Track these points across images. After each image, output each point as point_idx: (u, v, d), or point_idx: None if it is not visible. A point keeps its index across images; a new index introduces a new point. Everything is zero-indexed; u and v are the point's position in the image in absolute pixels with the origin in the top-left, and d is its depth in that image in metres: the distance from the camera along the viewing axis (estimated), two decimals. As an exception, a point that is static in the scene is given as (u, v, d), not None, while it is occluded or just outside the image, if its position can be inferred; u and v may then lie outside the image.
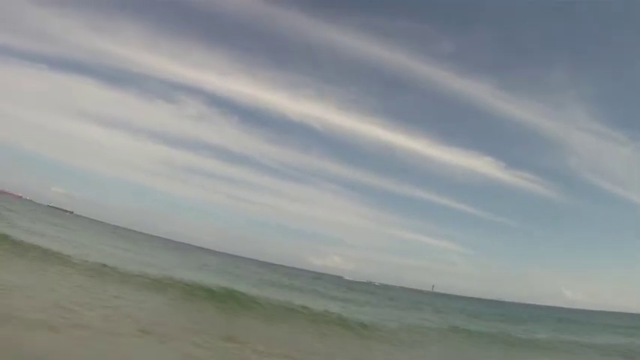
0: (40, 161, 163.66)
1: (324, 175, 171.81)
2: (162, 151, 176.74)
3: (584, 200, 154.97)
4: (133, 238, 65.28)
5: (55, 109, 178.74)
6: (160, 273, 18.98)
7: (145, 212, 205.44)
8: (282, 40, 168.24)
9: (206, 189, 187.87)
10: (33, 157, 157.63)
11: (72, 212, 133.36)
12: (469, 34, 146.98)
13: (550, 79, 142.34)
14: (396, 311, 28.16)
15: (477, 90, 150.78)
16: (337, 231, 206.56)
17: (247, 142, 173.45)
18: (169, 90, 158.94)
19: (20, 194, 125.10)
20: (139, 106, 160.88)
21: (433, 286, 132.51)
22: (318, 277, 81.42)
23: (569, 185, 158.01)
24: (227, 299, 15.86)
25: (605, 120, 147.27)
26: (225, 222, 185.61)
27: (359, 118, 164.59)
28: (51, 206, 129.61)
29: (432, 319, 25.11)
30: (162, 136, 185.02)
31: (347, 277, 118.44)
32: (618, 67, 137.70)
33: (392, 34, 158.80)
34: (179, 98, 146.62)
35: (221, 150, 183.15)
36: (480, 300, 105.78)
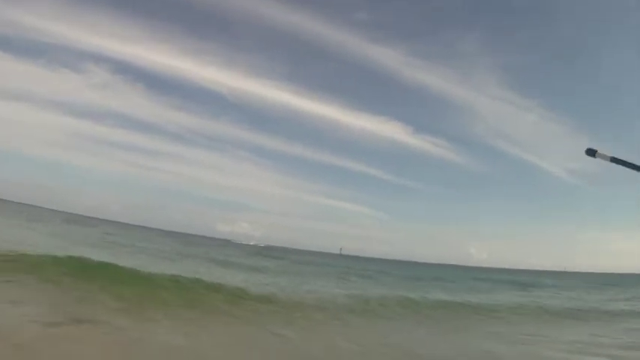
0: None
1: (234, 141, 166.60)
2: (69, 122, 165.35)
3: (491, 164, 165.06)
4: (36, 216, 57.37)
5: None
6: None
7: (54, 187, 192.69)
8: (190, 7, 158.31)
9: (114, 159, 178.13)
10: None
11: None
12: (383, 1, 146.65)
13: (461, 48, 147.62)
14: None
15: (388, 57, 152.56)
16: (246, 197, 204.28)
17: (155, 109, 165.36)
18: (76, 59, 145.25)
19: None
20: (46, 76, 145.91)
21: (341, 249, 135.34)
22: (224, 244, 78.17)
23: (477, 150, 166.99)
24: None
25: (513, 88, 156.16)
26: (135, 192, 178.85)
27: (268, 84, 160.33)
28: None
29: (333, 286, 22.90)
30: (70, 108, 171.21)
31: (255, 243, 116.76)
32: (528, 37, 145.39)
33: (305, 1, 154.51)
34: (86, 67, 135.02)
35: (128, 119, 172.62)
36: (391, 261, 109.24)
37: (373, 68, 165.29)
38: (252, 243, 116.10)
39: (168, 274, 13.87)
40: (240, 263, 30.91)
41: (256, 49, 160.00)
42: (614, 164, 2.09)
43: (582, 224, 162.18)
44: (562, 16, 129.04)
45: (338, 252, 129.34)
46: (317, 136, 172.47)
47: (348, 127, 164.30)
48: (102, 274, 11.87)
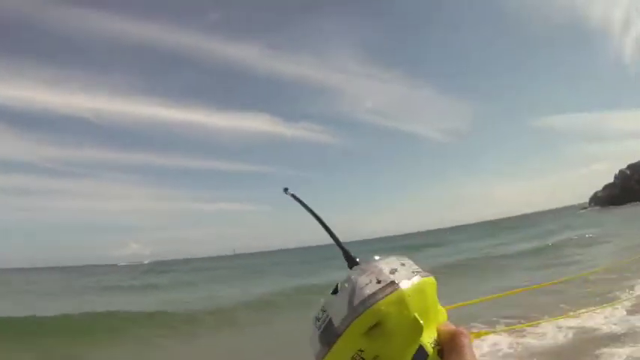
0: None
1: (107, 165, 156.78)
2: None
3: (363, 138, 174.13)
4: None
5: None
6: None
7: None
8: (42, 35, 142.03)
9: None
10: None
11: None
12: (231, 1, 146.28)
13: (317, 33, 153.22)
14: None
15: (246, 53, 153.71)
16: (130, 218, 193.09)
17: (23, 147, 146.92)
18: None
19: None
20: None
21: (234, 250, 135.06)
22: (114, 269, 73.76)
23: (347, 127, 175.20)
24: None
25: (371, 61, 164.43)
26: (18, 235, 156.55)
27: (133, 100, 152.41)
28: None
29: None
30: None
31: (149, 261, 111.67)
32: (378, 14, 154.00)
33: (156, 11, 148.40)
34: None
35: None
36: (284, 251, 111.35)
37: (233, 67, 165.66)
38: (146, 262, 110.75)
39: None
40: (129, 286, 30.23)
41: (116, 68, 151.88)
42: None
43: (460, 179, 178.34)
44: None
45: (232, 253, 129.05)
46: (189, 144, 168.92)
47: (218, 128, 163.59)
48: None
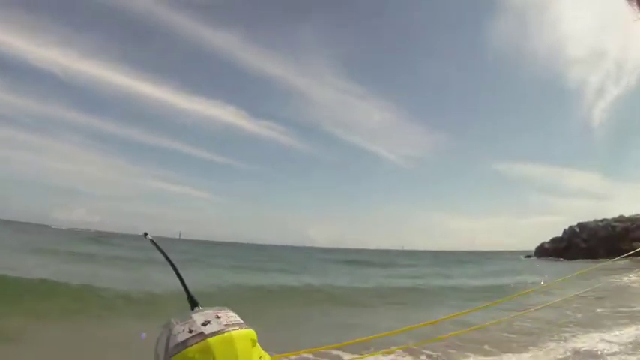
0: None
1: (64, 124, 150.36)
2: None
3: (327, 149, 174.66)
4: None
5: None
6: None
7: None
8: None
9: None
10: None
11: None
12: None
13: (298, 37, 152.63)
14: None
15: (225, 41, 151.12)
16: (81, 183, 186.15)
17: None
18: None
19: None
20: None
21: (180, 234, 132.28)
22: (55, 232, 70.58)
23: (313, 135, 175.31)
24: None
25: (347, 76, 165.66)
26: None
27: (103, 65, 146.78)
28: None
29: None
30: None
31: (95, 229, 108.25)
32: (361, 30, 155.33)
33: None
34: None
35: None
36: (230, 244, 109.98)
37: (209, 52, 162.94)
38: (92, 229, 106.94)
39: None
40: (68, 251, 29.07)
41: (91, 28, 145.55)
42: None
43: (417, 205, 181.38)
44: (393, 12, 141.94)
45: (177, 237, 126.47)
46: (150, 119, 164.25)
47: (183, 110, 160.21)
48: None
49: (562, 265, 44.92)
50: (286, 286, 19.14)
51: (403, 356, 7.05)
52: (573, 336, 9.09)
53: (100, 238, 59.64)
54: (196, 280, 17.44)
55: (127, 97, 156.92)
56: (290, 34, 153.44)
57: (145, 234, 1.39)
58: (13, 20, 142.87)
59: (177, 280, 1.38)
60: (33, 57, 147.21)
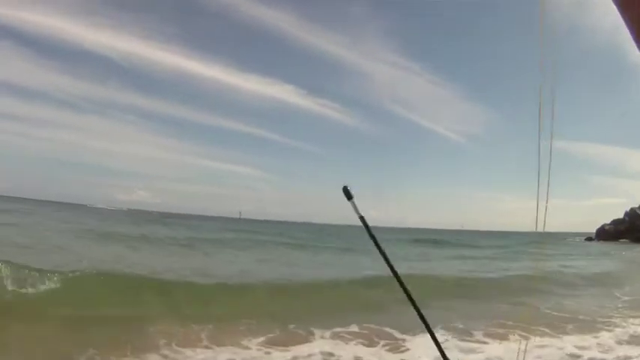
0: None
1: (124, 107, 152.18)
2: None
3: (384, 127, 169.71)
4: None
5: None
6: None
7: None
8: None
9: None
10: None
11: None
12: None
13: (350, 11, 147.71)
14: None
15: (279, 19, 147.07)
16: (141, 164, 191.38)
17: (40, 75, 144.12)
18: None
19: None
20: None
21: (240, 213, 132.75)
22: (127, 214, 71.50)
23: (370, 113, 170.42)
24: None
25: (403, 52, 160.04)
26: (24, 164, 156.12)
27: (157, 46, 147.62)
28: None
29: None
30: None
31: (154, 210, 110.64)
32: (414, 4, 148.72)
33: None
34: None
35: (11, 86, 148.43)
36: (292, 223, 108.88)
37: (263, 30, 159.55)
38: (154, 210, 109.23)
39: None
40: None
41: (143, 9, 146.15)
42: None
43: (475, 184, 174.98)
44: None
45: (238, 216, 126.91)
46: (208, 99, 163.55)
47: (239, 89, 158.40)
48: None
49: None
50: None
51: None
52: None
53: (166, 219, 58.76)
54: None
55: (183, 78, 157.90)
56: (344, 10, 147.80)
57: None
58: (66, 5, 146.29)
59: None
60: (87, 41, 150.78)
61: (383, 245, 1.60)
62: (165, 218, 62.64)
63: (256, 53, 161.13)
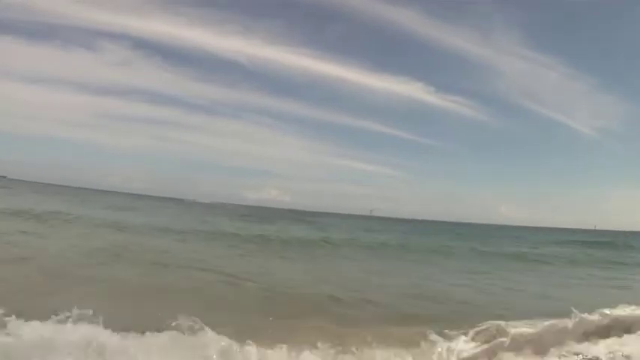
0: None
1: (255, 109, 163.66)
2: (89, 101, 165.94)
3: (515, 122, 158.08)
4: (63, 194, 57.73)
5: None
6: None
7: (79, 166, 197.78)
8: None
9: (137, 134, 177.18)
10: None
11: (5, 177, 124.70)
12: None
13: (476, 6, 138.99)
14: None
15: (405, 17, 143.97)
16: (271, 164, 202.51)
17: (174, 82, 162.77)
18: (90, 38, 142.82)
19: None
20: (61, 57, 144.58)
21: (371, 211, 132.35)
22: (251, 211, 75.05)
23: (500, 108, 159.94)
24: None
25: (532, 45, 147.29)
26: (160, 165, 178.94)
27: (286, 50, 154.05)
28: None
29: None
30: (88, 87, 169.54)
31: (285, 208, 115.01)
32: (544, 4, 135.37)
33: None
34: (100, 45, 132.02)
35: (148, 93, 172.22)
36: (425, 221, 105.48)
37: (390, 29, 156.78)
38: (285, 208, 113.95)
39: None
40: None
41: (272, 15, 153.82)
42: None
43: (611, 182, 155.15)
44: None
45: (369, 214, 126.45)
46: (338, 99, 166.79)
47: (369, 88, 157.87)
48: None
49: None
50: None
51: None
52: None
53: (304, 217, 59.64)
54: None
55: (313, 80, 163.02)
56: (469, 5, 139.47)
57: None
58: (195, 15, 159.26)
59: None
60: (218, 48, 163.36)
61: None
62: (300, 216, 63.77)
63: (387, 52, 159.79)
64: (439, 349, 6.02)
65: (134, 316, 6.11)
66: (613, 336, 6.98)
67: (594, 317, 7.20)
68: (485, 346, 6.14)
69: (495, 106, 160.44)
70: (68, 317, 5.19)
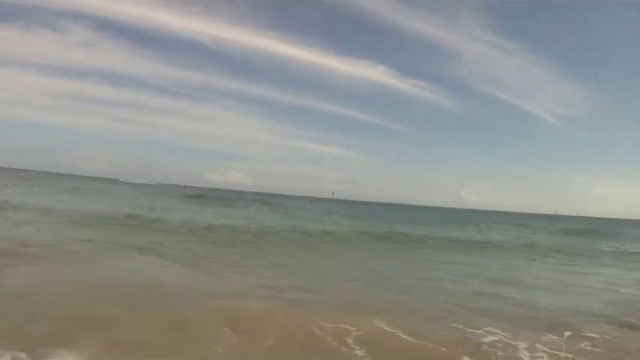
0: None
1: (219, 91, 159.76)
2: (50, 83, 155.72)
3: (478, 107, 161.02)
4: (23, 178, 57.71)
5: None
6: None
7: (42, 149, 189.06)
8: None
9: (101, 116, 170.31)
10: None
11: None
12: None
13: None
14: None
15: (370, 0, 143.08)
16: (234, 146, 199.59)
17: (138, 64, 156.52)
18: (53, 18, 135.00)
19: None
20: (23, 39, 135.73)
21: (333, 193, 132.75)
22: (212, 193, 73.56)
23: (463, 93, 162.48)
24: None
25: (497, 30, 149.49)
26: (123, 148, 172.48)
27: (250, 31, 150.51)
28: None
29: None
30: (50, 68, 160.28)
31: (248, 190, 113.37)
32: None
33: None
34: (65, 26, 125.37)
35: (111, 75, 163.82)
36: (385, 204, 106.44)
37: (354, 11, 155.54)
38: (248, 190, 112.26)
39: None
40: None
41: None
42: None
43: (572, 168, 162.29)
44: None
45: (330, 196, 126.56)
46: (301, 82, 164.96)
47: (333, 71, 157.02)
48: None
49: None
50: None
51: None
52: None
53: (266, 199, 58.88)
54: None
55: (276, 62, 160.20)
56: None
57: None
58: None
59: None
60: (180, 29, 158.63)
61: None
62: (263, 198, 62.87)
63: (349, 35, 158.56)
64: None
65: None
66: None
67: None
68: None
69: (459, 91, 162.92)
70: None
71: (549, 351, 6.06)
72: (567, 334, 6.85)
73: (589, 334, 6.96)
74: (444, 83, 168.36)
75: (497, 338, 6.42)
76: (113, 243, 13.26)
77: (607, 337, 6.89)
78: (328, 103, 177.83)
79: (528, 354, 5.92)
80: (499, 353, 5.86)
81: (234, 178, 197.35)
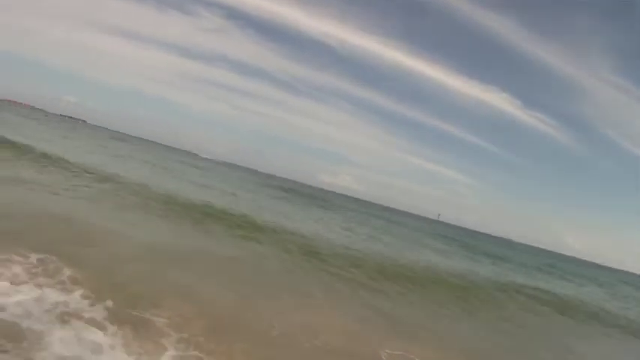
0: (51, 70, 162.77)
1: (340, 94, 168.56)
2: (176, 62, 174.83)
3: (598, 151, 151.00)
4: (136, 145, 60.21)
5: (69, 19, 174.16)
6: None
7: (158, 122, 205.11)
8: None
9: (220, 100, 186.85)
10: (44, 67, 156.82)
11: (84, 121, 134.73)
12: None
13: (574, 23, 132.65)
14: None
15: (501, 25, 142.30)
16: (348, 150, 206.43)
17: (262, 56, 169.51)
18: (186, 2, 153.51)
19: (30, 103, 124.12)
20: (155, 17, 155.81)
21: (439, 215, 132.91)
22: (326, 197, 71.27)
23: (585, 134, 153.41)
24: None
25: (628, 74, 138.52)
26: (238, 134, 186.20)
27: (378, 40, 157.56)
28: (63, 115, 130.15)
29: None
30: (177, 48, 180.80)
31: (358, 197, 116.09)
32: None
33: None
34: (196, 10, 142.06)
35: (237, 63, 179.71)
36: (490, 236, 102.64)
37: (484, 35, 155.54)
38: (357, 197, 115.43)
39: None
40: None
41: (367, 3, 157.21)
42: None
43: None
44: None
45: (436, 218, 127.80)
46: (423, 98, 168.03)
47: (456, 92, 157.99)
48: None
49: None
50: None
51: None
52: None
53: (375, 212, 62.49)
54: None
55: (400, 74, 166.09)
56: (568, 20, 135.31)
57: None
58: None
59: None
60: (310, 28, 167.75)
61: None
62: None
63: (476, 57, 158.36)
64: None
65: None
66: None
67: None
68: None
69: (580, 130, 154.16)
70: None
71: None
72: None
73: None
74: (566, 119, 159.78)
75: None
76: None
77: None
78: (447, 122, 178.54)
79: None
80: None
81: (345, 182, 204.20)
